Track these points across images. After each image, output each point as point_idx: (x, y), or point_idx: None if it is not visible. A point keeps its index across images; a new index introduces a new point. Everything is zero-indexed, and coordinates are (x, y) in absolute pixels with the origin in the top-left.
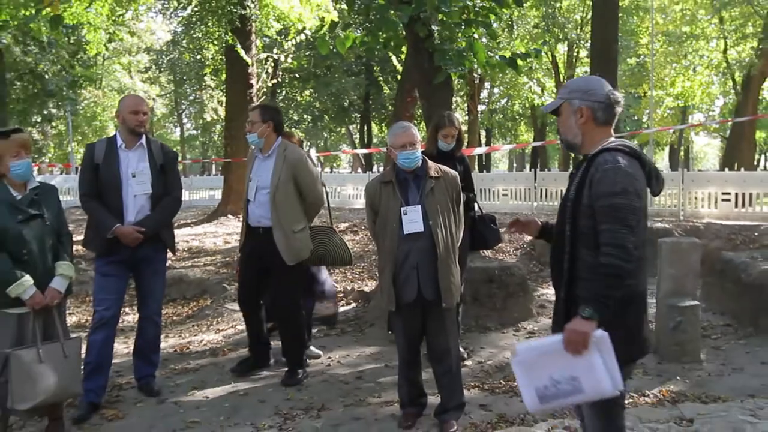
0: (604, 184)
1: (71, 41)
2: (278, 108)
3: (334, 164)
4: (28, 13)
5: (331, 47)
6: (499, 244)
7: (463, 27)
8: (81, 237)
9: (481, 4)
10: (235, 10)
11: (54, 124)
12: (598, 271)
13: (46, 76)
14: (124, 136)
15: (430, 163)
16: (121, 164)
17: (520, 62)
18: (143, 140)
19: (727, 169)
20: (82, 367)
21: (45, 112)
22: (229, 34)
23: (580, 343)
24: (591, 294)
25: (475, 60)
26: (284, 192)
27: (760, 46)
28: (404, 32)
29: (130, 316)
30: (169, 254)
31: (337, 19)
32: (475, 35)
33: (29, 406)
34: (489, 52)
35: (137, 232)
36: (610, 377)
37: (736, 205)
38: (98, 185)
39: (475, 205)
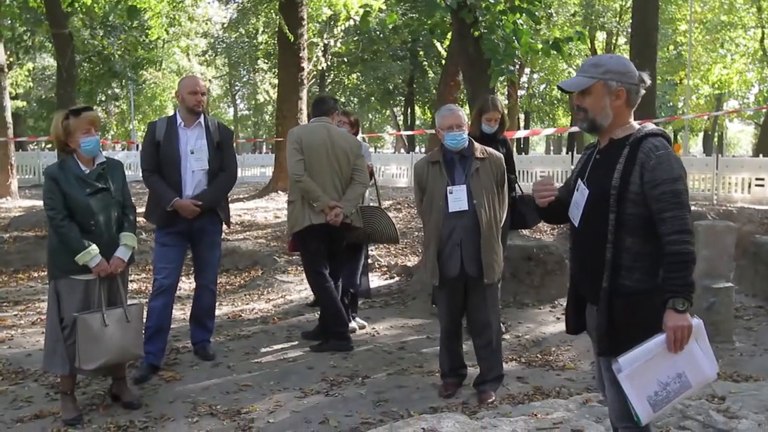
0: (662, 171)
1: (135, 25)
2: (324, 97)
3: (378, 144)
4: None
5: (375, 27)
6: (538, 224)
7: (507, 13)
8: (142, 209)
9: None
10: None
11: (117, 103)
12: (676, 259)
13: (112, 58)
14: (183, 115)
15: (476, 144)
16: (181, 141)
17: (564, 46)
18: (201, 119)
19: (761, 155)
20: (143, 331)
21: (109, 92)
22: (279, 15)
23: (685, 338)
24: (677, 285)
25: (518, 47)
26: None
27: None
28: (450, 18)
29: (186, 284)
30: (224, 227)
31: (384, 6)
32: (520, 21)
33: (94, 366)
34: (531, 38)
35: (194, 205)
36: (709, 361)
37: None
38: (159, 161)
39: (516, 186)
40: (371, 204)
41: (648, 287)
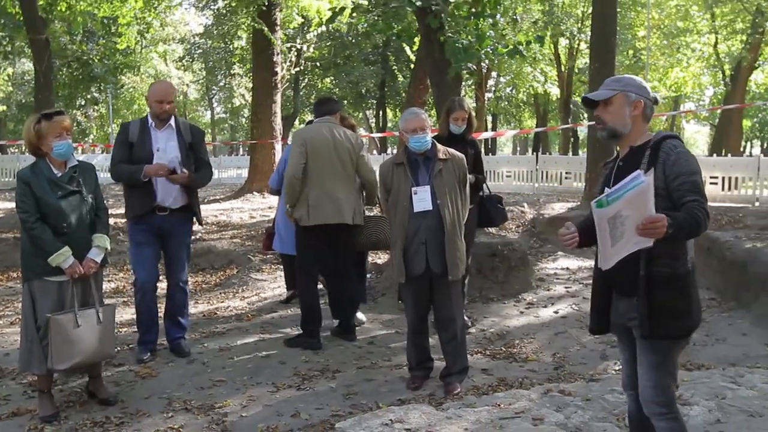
0: (681, 165)
1: (112, 31)
2: (330, 98)
3: None
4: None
5: (347, 33)
6: (504, 223)
7: (471, 19)
8: (119, 211)
9: None
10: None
11: (97, 107)
12: (690, 214)
13: (91, 63)
14: (153, 118)
15: (439, 146)
16: (153, 143)
17: (526, 50)
18: (172, 121)
19: (715, 154)
20: (137, 326)
21: (88, 97)
22: (258, 21)
23: (653, 235)
24: (679, 218)
25: (481, 50)
26: None
27: (749, 41)
28: (417, 24)
29: (162, 283)
30: (198, 226)
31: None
32: (482, 26)
33: (67, 366)
34: (496, 43)
35: (172, 174)
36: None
37: (723, 188)
38: (131, 162)
39: (484, 186)
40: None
41: (681, 272)
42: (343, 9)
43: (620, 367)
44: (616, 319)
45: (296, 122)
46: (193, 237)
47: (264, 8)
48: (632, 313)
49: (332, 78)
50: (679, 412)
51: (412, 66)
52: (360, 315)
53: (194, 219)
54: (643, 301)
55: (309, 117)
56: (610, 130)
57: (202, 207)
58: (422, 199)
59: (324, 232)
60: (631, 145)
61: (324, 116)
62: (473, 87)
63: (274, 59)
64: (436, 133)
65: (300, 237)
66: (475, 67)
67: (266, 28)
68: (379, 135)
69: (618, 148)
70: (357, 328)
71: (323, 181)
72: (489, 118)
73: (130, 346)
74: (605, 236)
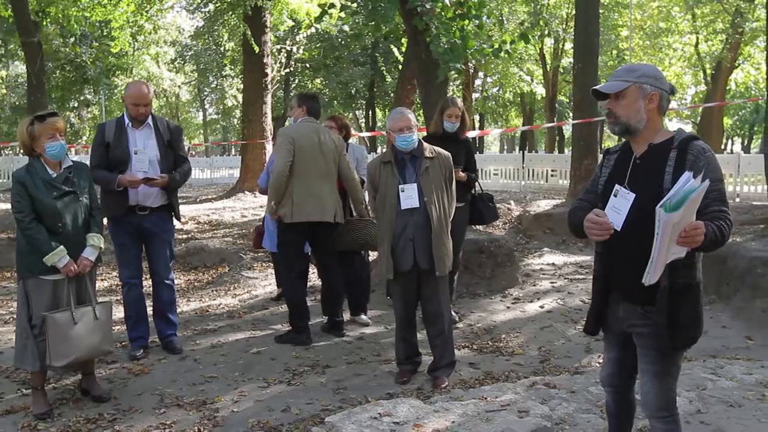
0: (711, 171)
1: (104, 34)
2: (314, 95)
3: None
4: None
5: (336, 35)
6: (494, 221)
7: (457, 20)
8: None
9: None
10: (248, 2)
11: (90, 109)
12: (719, 225)
13: (85, 65)
14: (130, 118)
15: (426, 144)
16: (130, 142)
17: (512, 49)
18: (149, 119)
19: None
20: (126, 320)
21: (82, 98)
22: (244, 24)
23: (692, 243)
24: (710, 229)
25: (467, 50)
26: None
27: (728, 41)
28: (404, 25)
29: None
30: (184, 225)
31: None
32: (468, 27)
33: (64, 363)
34: (482, 43)
35: (155, 179)
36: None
37: None
38: (108, 162)
39: (476, 184)
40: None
41: (695, 282)
42: (332, 5)
43: (600, 360)
44: (613, 323)
45: (287, 123)
46: (185, 236)
47: (250, 12)
48: (633, 320)
49: (322, 79)
50: (678, 414)
51: (400, 67)
52: (364, 317)
53: (173, 217)
54: (662, 314)
55: None
56: (623, 125)
57: (195, 206)
58: (409, 196)
59: (306, 230)
60: (650, 143)
61: (311, 117)
62: (461, 87)
63: (264, 61)
64: (428, 132)
65: (282, 234)
66: (462, 67)
67: (249, 33)
68: (369, 134)
69: (629, 143)
70: (349, 325)
71: (308, 179)
72: (476, 118)
73: (123, 343)
74: (663, 245)
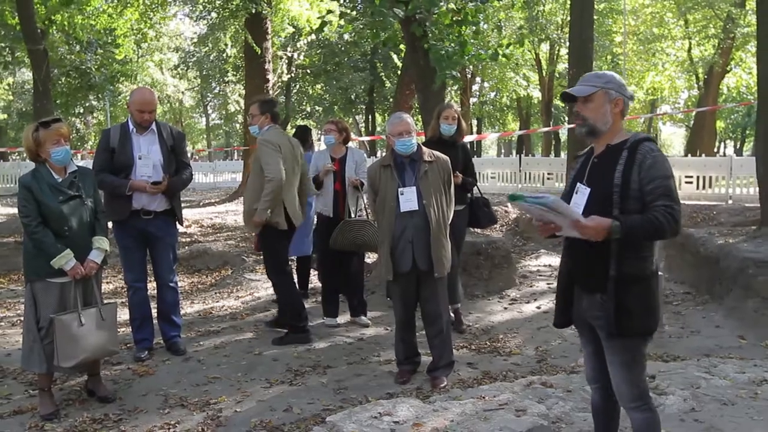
0: (657, 169)
1: (109, 41)
2: (273, 100)
3: None
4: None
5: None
6: (493, 225)
7: (454, 26)
8: None
9: (471, 5)
10: (249, 6)
11: (95, 114)
12: (649, 218)
13: (90, 72)
14: (134, 124)
15: (424, 148)
16: (134, 148)
17: (508, 52)
18: (153, 125)
19: (690, 154)
20: (131, 323)
21: (87, 104)
22: (243, 29)
23: (594, 236)
24: (630, 227)
25: (465, 56)
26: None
27: (720, 46)
28: (402, 32)
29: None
30: (187, 229)
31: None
32: (465, 33)
33: (72, 364)
34: (479, 49)
35: (155, 184)
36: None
37: (698, 187)
38: (112, 167)
39: (474, 189)
40: (359, 216)
41: (648, 273)
42: (330, 11)
43: None
44: (580, 316)
45: (288, 128)
46: (189, 239)
47: (249, 17)
48: (595, 311)
49: (323, 84)
50: (653, 403)
51: (399, 72)
52: (364, 318)
53: (176, 221)
54: (610, 301)
55: (300, 122)
56: (590, 126)
57: (199, 210)
58: (408, 199)
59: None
60: (608, 144)
61: (275, 124)
62: (458, 92)
63: (266, 67)
64: (426, 137)
65: (275, 240)
66: (458, 74)
67: (250, 38)
68: (368, 138)
69: (593, 145)
70: (349, 326)
71: (290, 185)
72: (474, 122)
73: (128, 345)
74: (528, 209)
